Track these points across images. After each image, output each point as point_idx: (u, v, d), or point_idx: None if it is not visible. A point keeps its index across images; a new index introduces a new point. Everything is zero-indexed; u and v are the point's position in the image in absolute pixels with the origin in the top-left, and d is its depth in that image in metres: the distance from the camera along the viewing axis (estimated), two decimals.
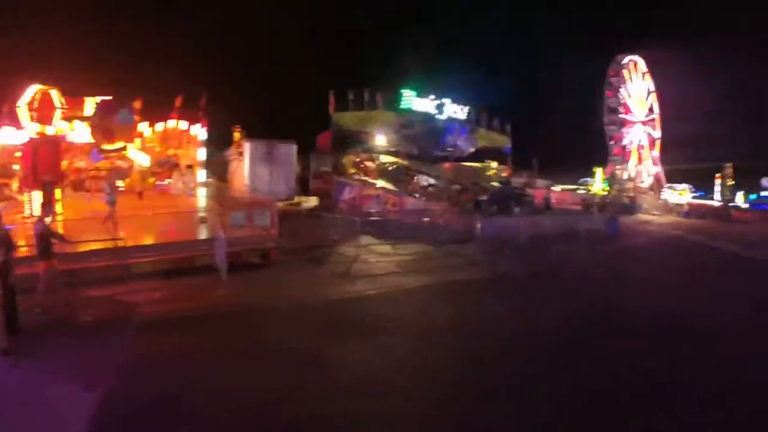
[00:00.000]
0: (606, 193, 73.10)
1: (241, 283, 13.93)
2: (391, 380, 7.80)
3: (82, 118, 23.35)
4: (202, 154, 23.94)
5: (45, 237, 10.62)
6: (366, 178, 34.41)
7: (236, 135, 31.77)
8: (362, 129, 39.76)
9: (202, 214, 20.10)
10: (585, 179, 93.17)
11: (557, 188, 78.59)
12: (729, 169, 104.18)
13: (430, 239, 23.09)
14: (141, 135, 25.33)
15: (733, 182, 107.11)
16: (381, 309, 11.92)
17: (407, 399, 7.23)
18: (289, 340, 9.53)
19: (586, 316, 12.17)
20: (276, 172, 28.85)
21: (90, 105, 24.05)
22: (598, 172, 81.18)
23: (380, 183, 33.36)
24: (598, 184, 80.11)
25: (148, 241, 16.17)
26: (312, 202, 32.33)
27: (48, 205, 15.94)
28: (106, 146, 24.19)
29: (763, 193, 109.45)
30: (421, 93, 43.10)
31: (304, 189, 33.88)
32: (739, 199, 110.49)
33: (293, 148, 30.05)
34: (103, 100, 23.96)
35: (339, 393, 7.35)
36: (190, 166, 28.74)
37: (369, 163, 37.21)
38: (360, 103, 39.81)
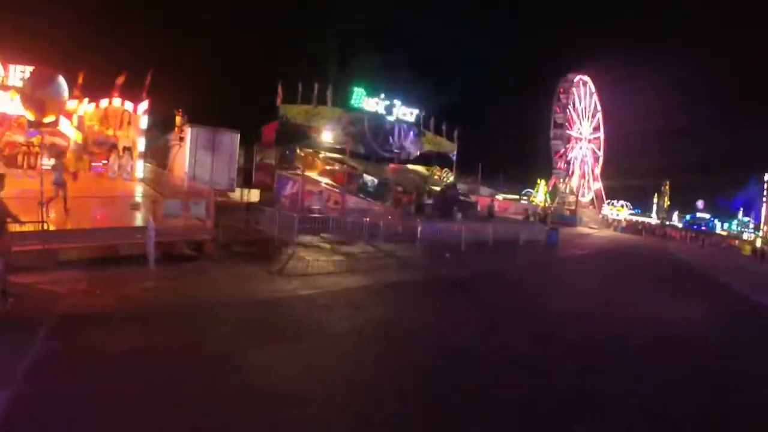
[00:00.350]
0: (548, 204, 74.38)
1: (170, 276, 12.94)
2: (306, 388, 7.17)
3: (10, 88, 21.94)
4: (142, 136, 22.84)
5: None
6: (309, 173, 33.76)
7: (178, 119, 30.56)
8: (309, 123, 38.98)
9: (135, 200, 19.01)
10: (528, 190, 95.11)
11: (500, 197, 79.78)
12: (666, 187, 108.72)
13: (371, 240, 22.72)
14: (74, 111, 24.04)
15: (669, 202, 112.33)
16: (311, 311, 11.21)
17: (321, 409, 6.66)
18: (206, 342, 8.67)
19: (513, 322, 12.02)
20: (218, 162, 27.67)
21: (17, 72, 22.66)
22: (542, 184, 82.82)
23: (324, 179, 32.79)
24: (540, 195, 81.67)
25: (78, 226, 14.97)
26: (254, 195, 31.49)
27: None
28: (35, 119, 22.81)
29: (697, 215, 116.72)
30: (372, 92, 42.64)
31: (246, 181, 32.90)
32: (675, 219, 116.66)
33: (236, 137, 28.96)
34: (36, 69, 22.65)
35: (248, 400, 6.73)
36: (127, 149, 27.47)
37: (314, 160, 36.61)
38: (309, 96, 38.97)
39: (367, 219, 24.85)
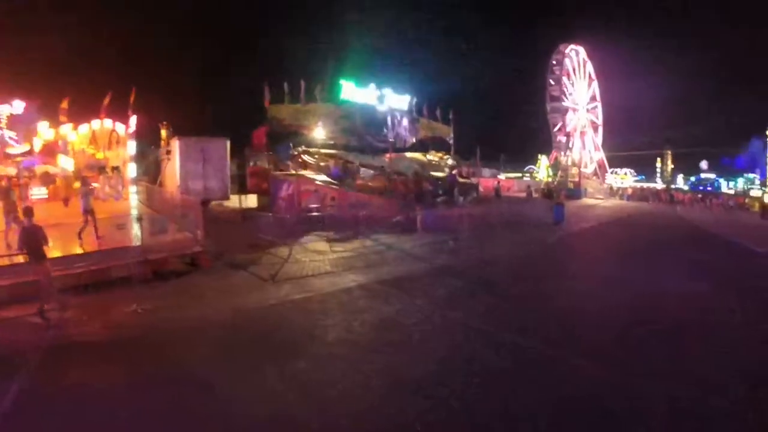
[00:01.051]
0: (551, 179, 73.52)
1: (158, 295, 12.36)
2: (300, 420, 6.53)
3: None
4: (131, 153, 22.36)
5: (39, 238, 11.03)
6: (305, 172, 33.15)
7: (163, 132, 30.05)
8: (299, 122, 38.14)
9: (121, 221, 18.48)
10: (530, 167, 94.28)
11: (502, 176, 79.06)
12: (668, 151, 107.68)
13: (370, 234, 22.19)
14: (63, 137, 23.75)
15: (673, 166, 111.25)
16: (304, 319, 10.62)
17: None
18: (189, 368, 8.12)
19: (521, 315, 11.32)
20: (209, 171, 27.23)
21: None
22: (543, 159, 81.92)
23: (319, 177, 32.17)
24: (542, 171, 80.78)
25: (65, 252, 14.40)
26: (251, 201, 31.07)
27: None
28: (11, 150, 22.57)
29: (702, 176, 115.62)
30: (361, 83, 41.82)
31: (241, 187, 32.43)
32: (680, 182, 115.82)
33: (226, 143, 28.45)
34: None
35: None
36: (115, 168, 27.05)
37: (307, 158, 35.95)
38: (297, 95, 38.20)
39: (364, 213, 24.34)
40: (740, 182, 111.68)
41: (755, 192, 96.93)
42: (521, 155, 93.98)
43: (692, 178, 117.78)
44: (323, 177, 32.42)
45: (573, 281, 15.21)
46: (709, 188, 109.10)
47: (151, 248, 14.63)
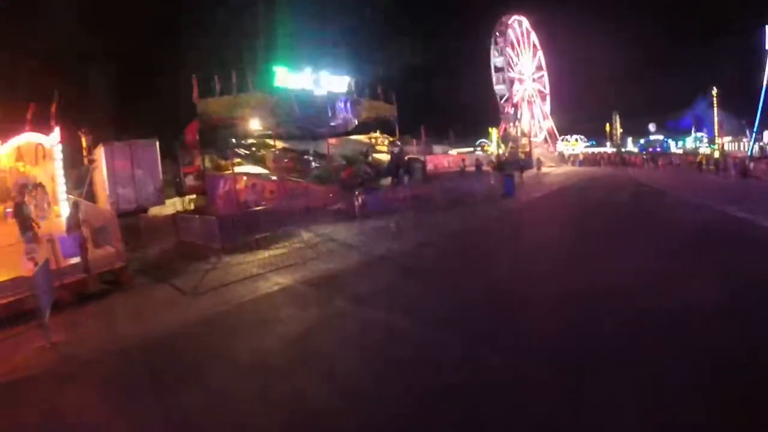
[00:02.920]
0: (501, 151, 72.99)
1: (72, 323, 10.97)
2: None
3: None
4: (58, 167, 20.51)
5: None
6: (240, 168, 31.49)
7: (83, 141, 27.87)
8: (233, 115, 36.19)
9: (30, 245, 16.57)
10: (482, 140, 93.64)
11: (453, 152, 78.26)
12: (617, 116, 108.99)
13: (308, 226, 20.80)
14: None
15: (622, 130, 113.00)
16: (212, 340, 9.27)
17: None
18: (63, 415, 6.86)
19: (447, 306, 10.08)
20: (140, 176, 25.48)
21: None
22: (493, 132, 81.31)
23: (256, 170, 30.56)
24: (494, 143, 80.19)
25: None
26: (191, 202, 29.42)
27: None
28: None
29: (651, 138, 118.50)
30: (295, 68, 39.88)
31: (178, 190, 30.68)
32: (630, 145, 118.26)
33: (155, 145, 26.66)
34: None
35: None
36: (39, 185, 24.97)
37: (242, 150, 34.19)
38: (228, 87, 36.17)
39: (302, 204, 23.01)
40: (689, 141, 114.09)
41: (703, 150, 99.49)
42: (473, 129, 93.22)
43: (641, 141, 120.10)
44: (259, 170, 30.86)
45: (514, 261, 13.89)
46: (658, 149, 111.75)
47: (68, 270, 13.25)
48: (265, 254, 16.89)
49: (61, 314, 11.16)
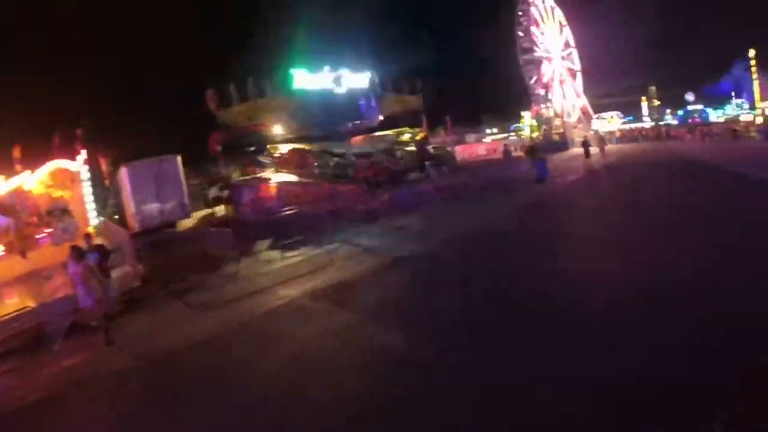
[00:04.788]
0: (534, 134, 71.33)
1: (87, 346, 10.82)
2: None
3: None
4: (86, 191, 20.47)
5: None
6: (265, 174, 31.00)
7: (102, 163, 27.70)
8: (254, 122, 35.82)
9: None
10: (516, 125, 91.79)
11: (488, 139, 76.97)
12: (653, 90, 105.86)
13: (331, 229, 20.06)
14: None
15: (659, 102, 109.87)
16: (207, 363, 8.70)
17: None
18: None
19: (465, 326, 8.63)
20: (164, 193, 25.24)
21: None
22: (526, 115, 79.57)
23: (280, 176, 30.02)
24: (527, 127, 78.45)
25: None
26: (220, 211, 29.13)
27: None
28: None
29: (689, 108, 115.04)
30: (313, 68, 39.27)
31: (206, 202, 30.42)
32: (668, 118, 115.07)
33: (177, 160, 26.33)
34: None
35: None
36: (63, 210, 24.99)
37: (265, 158, 33.66)
38: (246, 94, 35.73)
39: (329, 207, 22.35)
40: (729, 108, 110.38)
41: (745, 117, 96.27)
42: (508, 114, 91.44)
43: (680, 112, 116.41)
44: (284, 175, 30.33)
45: (547, 258, 12.27)
46: (698, 119, 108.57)
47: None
48: (281, 263, 16.18)
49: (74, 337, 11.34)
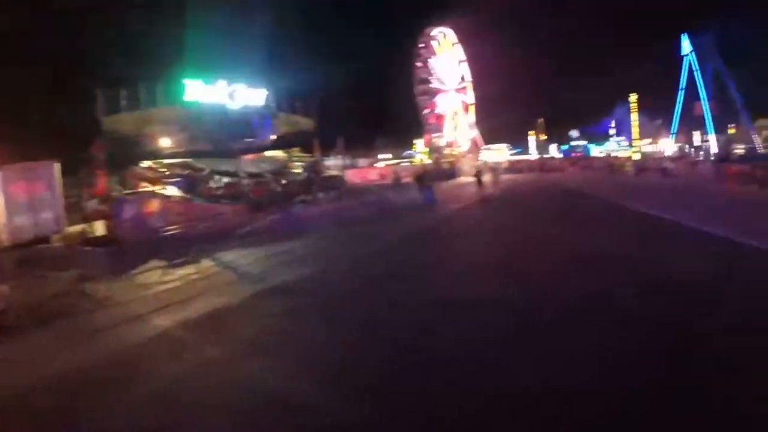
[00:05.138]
0: (423, 162, 73.60)
1: None
2: None
3: None
4: None
5: None
6: (151, 188, 30.06)
7: None
8: (142, 132, 34.67)
9: None
10: (409, 152, 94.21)
11: (381, 164, 78.30)
12: (541, 124, 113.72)
13: (213, 252, 19.79)
14: None
15: (546, 137, 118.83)
16: (66, 402, 7.71)
17: None
18: None
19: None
20: (38, 203, 23.77)
21: None
22: (418, 143, 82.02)
23: (166, 192, 29.24)
24: (420, 154, 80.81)
25: None
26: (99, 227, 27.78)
27: None
28: None
29: (573, 143, 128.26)
30: (208, 81, 38.56)
31: (84, 215, 28.96)
32: (554, 151, 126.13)
33: (55, 167, 24.91)
34: None
35: None
36: None
37: (148, 172, 32.60)
38: (136, 102, 34.58)
39: (208, 227, 22.04)
40: (609, 145, 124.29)
41: (623, 152, 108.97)
42: (400, 141, 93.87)
43: (564, 146, 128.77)
44: (171, 191, 29.54)
45: (428, 285, 13.16)
46: (580, 153, 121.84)
47: None
48: (159, 287, 15.71)
49: None
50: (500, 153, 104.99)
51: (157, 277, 17.03)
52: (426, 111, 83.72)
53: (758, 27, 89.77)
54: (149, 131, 34.93)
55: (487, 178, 40.53)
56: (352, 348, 9.11)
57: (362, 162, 74.78)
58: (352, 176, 56.73)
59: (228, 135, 38.20)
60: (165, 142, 35.94)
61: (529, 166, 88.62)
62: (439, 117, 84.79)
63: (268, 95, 42.41)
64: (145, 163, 33.04)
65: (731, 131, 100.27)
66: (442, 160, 72.55)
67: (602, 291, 11.13)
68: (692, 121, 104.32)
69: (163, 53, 50.47)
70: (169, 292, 15.05)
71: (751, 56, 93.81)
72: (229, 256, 19.23)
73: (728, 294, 10.42)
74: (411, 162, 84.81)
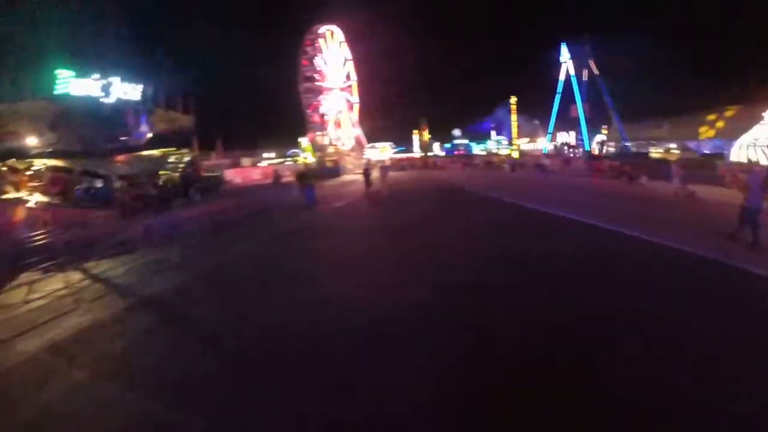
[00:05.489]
0: (306, 161, 73.82)
1: None
2: None
3: None
4: None
5: None
6: (15, 194, 28.39)
7: None
8: (5, 128, 32.53)
9: None
10: (294, 150, 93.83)
11: (264, 163, 77.62)
12: (424, 122, 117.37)
13: (83, 262, 19.16)
14: None
15: (430, 136, 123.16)
16: None
17: None
18: None
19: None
20: None
21: None
22: (303, 141, 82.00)
23: (32, 198, 27.77)
24: (304, 153, 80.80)
25: None
26: None
27: None
28: None
29: (455, 142, 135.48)
30: (84, 73, 36.75)
31: None
32: (437, 150, 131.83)
33: None
34: None
35: None
36: None
37: (11, 175, 30.68)
38: (1, 94, 32.31)
39: (75, 234, 21.28)
40: (490, 144, 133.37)
41: (503, 151, 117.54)
42: (284, 139, 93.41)
43: (447, 145, 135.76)
44: (37, 196, 28.08)
45: (306, 287, 13.35)
46: (462, 151, 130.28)
47: None
48: (23, 307, 15.03)
49: None
50: (384, 151, 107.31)
51: (23, 296, 16.35)
52: (309, 109, 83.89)
53: (630, 38, 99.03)
54: (13, 128, 32.81)
55: (375, 175, 41.48)
56: (214, 367, 9.24)
57: (246, 161, 73.82)
58: (234, 176, 56.14)
59: (101, 133, 36.66)
60: (32, 141, 33.89)
61: (413, 164, 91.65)
62: (323, 115, 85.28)
63: (145, 90, 41.08)
64: (9, 162, 31.13)
65: (604, 132, 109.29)
66: (326, 159, 72.98)
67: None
68: (568, 122, 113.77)
69: (33, 43, 47.54)
70: (34, 311, 14.55)
71: (621, 64, 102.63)
72: (100, 266, 18.77)
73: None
74: (295, 160, 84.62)
